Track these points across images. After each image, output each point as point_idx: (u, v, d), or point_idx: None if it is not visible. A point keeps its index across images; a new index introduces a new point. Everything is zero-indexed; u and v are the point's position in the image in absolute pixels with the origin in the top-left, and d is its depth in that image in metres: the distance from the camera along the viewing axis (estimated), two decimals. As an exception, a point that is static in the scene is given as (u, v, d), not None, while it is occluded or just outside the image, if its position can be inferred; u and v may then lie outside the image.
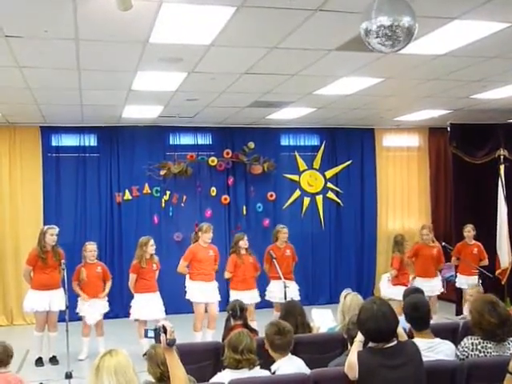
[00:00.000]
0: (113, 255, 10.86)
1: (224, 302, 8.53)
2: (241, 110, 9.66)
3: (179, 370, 3.41)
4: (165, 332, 3.36)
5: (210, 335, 8.19)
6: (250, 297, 8.27)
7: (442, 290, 9.35)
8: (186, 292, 8.36)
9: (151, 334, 3.45)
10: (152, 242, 8.08)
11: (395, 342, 3.74)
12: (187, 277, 8.40)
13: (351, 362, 3.72)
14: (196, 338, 8.09)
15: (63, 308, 7.67)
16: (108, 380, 2.82)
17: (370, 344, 3.77)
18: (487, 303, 4.38)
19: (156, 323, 3.60)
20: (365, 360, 3.67)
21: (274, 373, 4.31)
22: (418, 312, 4.42)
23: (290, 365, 4.33)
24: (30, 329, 8.43)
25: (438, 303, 9.45)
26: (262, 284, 9.07)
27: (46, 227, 8.12)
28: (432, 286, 9.12)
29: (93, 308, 8.14)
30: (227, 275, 8.58)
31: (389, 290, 8.91)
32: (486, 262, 9.38)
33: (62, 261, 7.67)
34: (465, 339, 4.43)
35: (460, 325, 5.67)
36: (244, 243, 8.56)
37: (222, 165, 11.36)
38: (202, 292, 8.21)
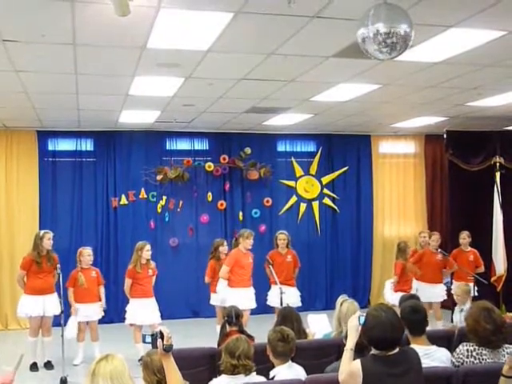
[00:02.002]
0: (108, 260, 10.84)
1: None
2: (238, 116, 9.67)
3: (176, 376, 3.41)
4: (162, 338, 3.36)
5: None
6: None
7: (445, 297, 9.33)
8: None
9: (149, 339, 3.45)
10: (148, 247, 8.05)
11: (397, 349, 3.72)
12: (224, 283, 8.34)
13: (353, 370, 3.67)
14: None
15: (57, 313, 7.67)
16: None
17: (373, 351, 3.75)
18: (483, 310, 4.39)
19: (152, 328, 3.60)
20: (370, 368, 3.64)
21: (272, 378, 4.31)
22: (416, 315, 4.39)
23: (289, 372, 4.32)
24: (25, 333, 8.40)
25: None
26: (264, 289, 9.10)
27: (42, 232, 8.09)
28: (435, 293, 9.15)
29: (87, 312, 8.12)
30: (207, 280, 8.75)
31: (392, 297, 8.89)
32: (481, 269, 9.37)
33: (58, 265, 7.66)
34: (460, 346, 4.43)
35: (455, 332, 5.67)
36: (224, 249, 8.63)
37: (219, 170, 11.37)
38: (239, 299, 7.73)
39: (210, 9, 4.62)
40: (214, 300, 8.65)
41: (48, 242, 7.91)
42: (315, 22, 4.93)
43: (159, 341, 3.35)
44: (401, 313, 4.43)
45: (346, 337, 4.16)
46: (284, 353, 4.39)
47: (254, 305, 8.39)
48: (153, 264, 8.20)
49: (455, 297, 7.27)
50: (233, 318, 5.77)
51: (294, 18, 4.82)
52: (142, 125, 10.49)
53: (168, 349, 3.36)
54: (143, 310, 7.96)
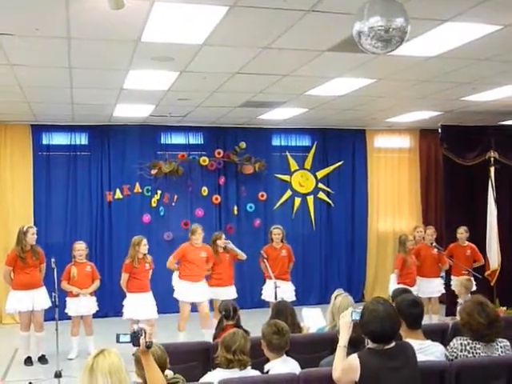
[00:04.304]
0: (103, 254, 10.84)
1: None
2: (232, 110, 9.65)
3: (156, 372, 3.45)
4: (143, 335, 3.39)
5: (209, 336, 8.24)
6: (226, 293, 8.39)
7: (443, 291, 9.36)
8: (173, 290, 8.43)
9: (124, 338, 3.47)
10: (145, 241, 8.05)
11: (394, 343, 3.73)
12: (176, 275, 8.44)
13: (351, 365, 3.65)
14: (179, 337, 8.10)
15: (46, 307, 7.70)
16: (103, 381, 2.81)
17: (370, 345, 3.75)
18: (476, 304, 4.40)
19: (143, 324, 3.62)
20: (368, 362, 3.63)
21: (266, 372, 4.31)
22: (416, 309, 4.37)
23: (284, 366, 4.33)
24: (19, 328, 8.40)
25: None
26: (258, 283, 9.10)
27: (25, 227, 8.06)
28: (434, 288, 9.20)
29: (81, 305, 8.12)
30: (206, 272, 8.73)
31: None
32: (481, 263, 9.47)
33: (52, 259, 7.63)
34: (454, 340, 4.44)
35: (449, 326, 5.69)
36: (222, 242, 8.65)
37: (214, 164, 11.35)
38: (188, 291, 8.25)
39: (205, 2, 4.60)
40: (212, 294, 8.64)
41: (32, 236, 7.91)
42: (310, 16, 4.92)
43: (142, 338, 3.38)
44: (398, 306, 4.37)
45: (339, 331, 4.17)
46: (279, 346, 4.39)
47: (203, 298, 8.39)
48: (149, 258, 8.22)
49: (457, 291, 7.33)
50: (230, 312, 5.80)
51: (289, 11, 4.80)
52: (136, 119, 10.46)
53: (150, 345, 3.40)
54: (141, 305, 7.97)
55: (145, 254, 8.10)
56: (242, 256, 8.86)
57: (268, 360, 4.45)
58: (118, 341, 3.52)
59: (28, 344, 7.99)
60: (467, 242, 9.52)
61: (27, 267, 7.89)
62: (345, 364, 3.73)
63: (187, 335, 8.23)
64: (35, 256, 7.94)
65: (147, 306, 8.02)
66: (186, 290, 8.27)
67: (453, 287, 9.20)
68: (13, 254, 7.93)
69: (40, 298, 7.87)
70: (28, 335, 7.99)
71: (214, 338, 5.72)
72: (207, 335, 8.14)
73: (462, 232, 9.51)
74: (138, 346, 3.44)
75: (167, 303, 8.83)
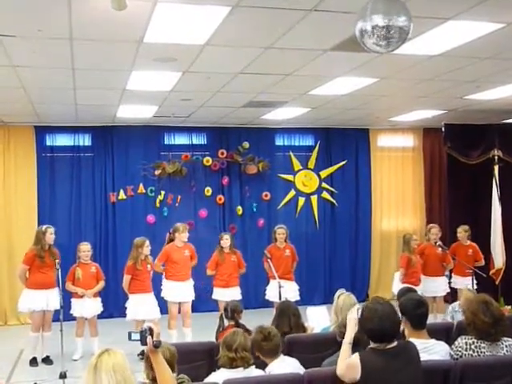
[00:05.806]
0: (107, 255, 10.84)
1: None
2: (235, 110, 9.65)
3: (166, 372, 3.45)
4: (151, 334, 3.39)
5: (189, 335, 8.29)
6: (230, 294, 8.35)
7: (448, 290, 9.34)
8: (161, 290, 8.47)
9: (135, 336, 3.47)
10: (147, 243, 8.08)
11: (396, 343, 3.73)
12: (163, 276, 8.49)
13: (351, 364, 3.67)
14: (171, 336, 8.11)
15: (59, 307, 7.71)
16: (107, 379, 2.80)
17: (372, 345, 3.75)
18: (481, 303, 4.40)
19: (150, 323, 3.62)
20: (369, 362, 3.63)
21: (268, 374, 4.32)
22: (421, 309, 4.36)
23: (284, 366, 4.33)
24: (24, 329, 8.43)
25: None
26: (262, 283, 9.09)
27: (44, 226, 8.12)
28: (439, 287, 9.18)
29: (86, 307, 8.13)
30: (209, 272, 8.75)
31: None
32: (481, 263, 9.39)
33: (57, 261, 7.67)
34: (458, 339, 4.43)
35: (454, 325, 5.68)
36: (224, 242, 8.68)
37: (217, 165, 11.35)
38: (175, 291, 8.28)
39: (207, 3, 4.60)
40: (216, 295, 8.65)
41: (50, 236, 7.98)
42: (312, 16, 4.92)
43: (149, 337, 3.38)
44: (404, 306, 4.39)
45: (339, 333, 4.19)
46: (270, 350, 4.41)
47: (189, 298, 8.44)
48: (150, 258, 8.23)
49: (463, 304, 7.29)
50: (228, 312, 5.87)
51: (292, 11, 4.80)
52: (139, 120, 10.47)
53: (157, 345, 3.40)
54: (144, 306, 7.99)
55: (146, 256, 8.12)
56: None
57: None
58: (129, 339, 3.53)
59: (36, 345, 8.01)
60: (469, 242, 9.49)
61: (44, 267, 7.93)
62: (347, 362, 3.75)
63: (192, 336, 8.25)
64: (53, 256, 7.97)
65: (150, 306, 8.04)
66: (173, 290, 8.29)
67: (452, 285, 9.26)
68: (31, 253, 7.96)
69: (53, 298, 7.88)
70: (38, 336, 8.01)
71: (216, 338, 5.74)
72: (189, 334, 8.23)
73: (461, 231, 9.48)
74: (146, 344, 3.45)
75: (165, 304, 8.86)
